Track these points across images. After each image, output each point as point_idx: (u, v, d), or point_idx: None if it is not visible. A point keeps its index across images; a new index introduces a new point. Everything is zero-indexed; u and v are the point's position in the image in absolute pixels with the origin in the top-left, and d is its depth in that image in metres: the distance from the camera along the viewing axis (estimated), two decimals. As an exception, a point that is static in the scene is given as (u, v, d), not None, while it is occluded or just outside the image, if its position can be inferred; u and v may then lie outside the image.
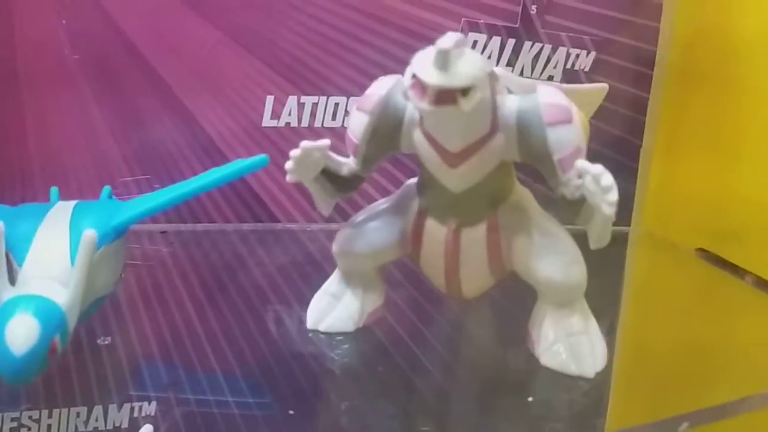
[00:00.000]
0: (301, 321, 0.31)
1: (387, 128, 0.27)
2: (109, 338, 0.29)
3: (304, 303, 0.31)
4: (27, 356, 0.21)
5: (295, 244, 0.43)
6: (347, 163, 0.28)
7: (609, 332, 0.32)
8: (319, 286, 0.31)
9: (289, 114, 0.43)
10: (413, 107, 0.25)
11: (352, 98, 0.43)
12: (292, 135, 0.43)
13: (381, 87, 0.27)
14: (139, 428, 0.22)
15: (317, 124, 0.43)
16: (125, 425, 0.24)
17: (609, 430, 0.26)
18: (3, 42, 0.39)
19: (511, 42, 0.42)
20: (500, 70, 0.26)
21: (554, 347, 0.27)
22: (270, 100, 0.42)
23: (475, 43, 0.42)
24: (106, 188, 0.36)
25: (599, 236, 0.25)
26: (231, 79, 0.42)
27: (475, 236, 0.27)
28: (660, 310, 0.37)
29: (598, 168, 0.23)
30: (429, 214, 0.28)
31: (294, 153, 0.26)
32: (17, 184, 0.41)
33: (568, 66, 0.43)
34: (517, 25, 0.42)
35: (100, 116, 0.41)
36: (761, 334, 0.34)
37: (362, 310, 0.30)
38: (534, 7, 0.42)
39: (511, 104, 0.26)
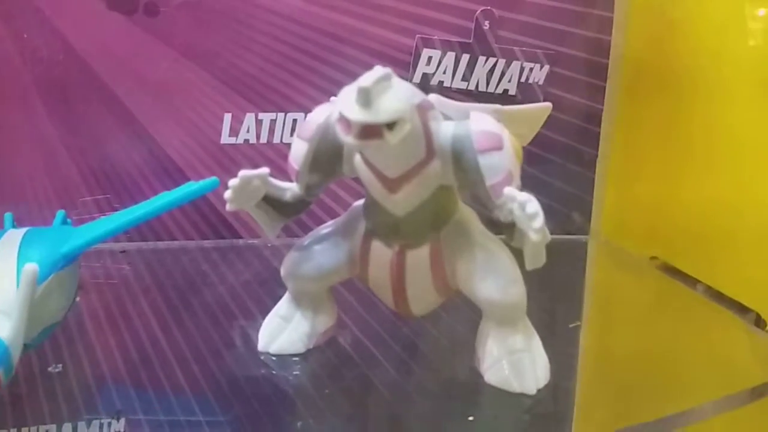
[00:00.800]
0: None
1: (327, 154, 0.27)
2: (60, 366, 0.29)
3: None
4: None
5: (258, 259, 0.43)
6: (290, 189, 0.28)
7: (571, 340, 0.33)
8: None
9: (248, 131, 0.43)
10: None
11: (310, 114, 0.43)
12: (251, 151, 0.43)
13: (319, 114, 0.27)
14: None
15: (276, 140, 0.43)
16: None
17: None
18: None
19: (466, 57, 0.43)
20: (434, 98, 0.27)
21: (497, 365, 0.28)
22: (228, 117, 0.43)
23: (429, 59, 0.43)
24: (60, 212, 0.36)
25: (533, 258, 0.25)
26: (188, 97, 0.42)
27: (419, 257, 0.28)
28: (618, 318, 0.38)
29: (524, 196, 0.24)
30: (375, 236, 0.29)
31: (232, 182, 0.26)
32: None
33: (523, 79, 0.44)
34: (470, 41, 0.43)
35: (58, 137, 0.41)
36: (712, 342, 0.35)
37: (313, 331, 0.30)
38: (486, 22, 0.43)
39: (446, 131, 0.26)
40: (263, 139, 0.43)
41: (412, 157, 0.26)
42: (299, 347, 0.30)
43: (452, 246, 0.28)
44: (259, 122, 0.43)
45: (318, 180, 0.28)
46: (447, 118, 0.27)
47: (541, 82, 0.44)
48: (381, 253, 0.28)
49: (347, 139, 0.23)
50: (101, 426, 0.26)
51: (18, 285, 0.27)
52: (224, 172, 0.43)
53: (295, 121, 0.43)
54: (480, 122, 0.26)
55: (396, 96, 0.23)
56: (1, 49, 0.40)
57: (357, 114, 0.23)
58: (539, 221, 0.23)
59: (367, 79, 0.23)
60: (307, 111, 0.43)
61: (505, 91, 0.44)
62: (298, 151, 0.27)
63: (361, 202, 0.30)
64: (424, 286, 0.29)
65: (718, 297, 0.37)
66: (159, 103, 0.42)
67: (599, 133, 0.45)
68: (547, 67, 0.44)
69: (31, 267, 0.24)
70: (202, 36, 0.41)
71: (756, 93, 0.37)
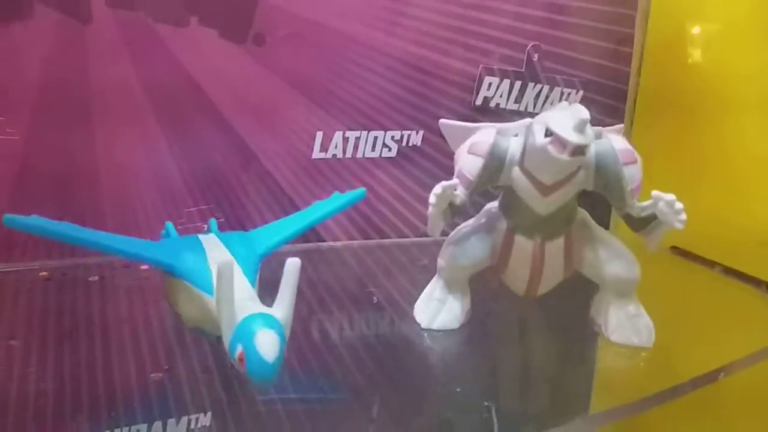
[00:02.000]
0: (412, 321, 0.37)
1: (493, 167, 0.34)
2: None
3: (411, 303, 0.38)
4: (275, 362, 0.27)
5: (338, 260, 0.49)
6: (459, 195, 0.35)
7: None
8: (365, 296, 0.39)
9: (336, 147, 0.49)
10: (525, 150, 0.34)
11: (389, 132, 0.50)
12: (338, 165, 0.49)
13: (488, 135, 0.34)
14: None
15: (359, 155, 0.49)
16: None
17: (594, 410, 0.33)
18: (79, 83, 0.43)
19: (518, 83, 0.51)
20: None
21: (619, 328, 0.36)
22: (319, 135, 0.48)
23: (490, 84, 0.51)
24: (212, 221, 0.41)
25: (659, 242, 0.34)
26: (285, 117, 0.48)
27: (556, 247, 0.36)
28: (643, 297, 0.46)
29: (671, 196, 0.32)
30: (517, 232, 0.36)
31: (436, 191, 0.33)
32: (88, 212, 0.44)
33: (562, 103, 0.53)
34: (522, 70, 0.51)
35: (169, 153, 0.46)
36: (729, 313, 0.43)
37: (462, 310, 0.37)
38: (536, 55, 0.51)
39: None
40: (348, 155, 0.49)
41: (571, 168, 0.33)
42: (455, 324, 0.37)
43: (579, 237, 0.36)
44: (345, 139, 0.49)
45: (480, 187, 0.35)
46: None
47: (576, 105, 0.53)
48: (523, 245, 0.36)
49: (561, 156, 0.31)
50: (189, 421, 0.29)
51: (248, 277, 0.32)
52: (314, 183, 0.49)
53: (375, 138, 0.50)
54: (619, 142, 0.34)
55: (589, 123, 0.31)
56: (123, 74, 0.44)
57: (576, 138, 0.30)
58: (684, 215, 0.32)
59: (584, 112, 0.30)
60: (386, 130, 0.50)
61: (548, 112, 0.52)
62: (474, 164, 0.34)
63: (493, 205, 0.37)
64: (556, 270, 0.36)
65: (735, 274, 0.47)
66: (259, 121, 0.47)
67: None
68: (581, 92, 0.53)
69: (296, 260, 0.29)
70: (302, 64, 0.47)
71: (759, 108, 0.46)
